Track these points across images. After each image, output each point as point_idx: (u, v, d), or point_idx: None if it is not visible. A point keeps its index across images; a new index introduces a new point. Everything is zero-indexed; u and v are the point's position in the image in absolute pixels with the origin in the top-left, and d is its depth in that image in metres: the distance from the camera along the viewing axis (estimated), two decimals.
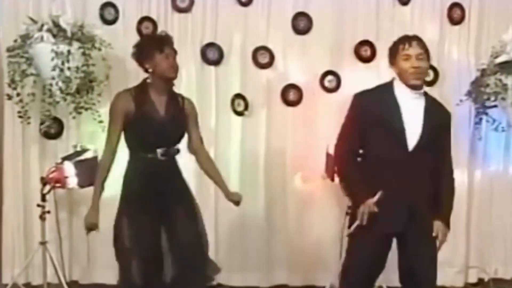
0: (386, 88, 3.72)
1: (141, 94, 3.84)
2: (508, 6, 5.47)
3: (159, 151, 3.79)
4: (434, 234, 3.59)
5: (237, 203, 4.14)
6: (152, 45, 3.83)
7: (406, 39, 3.65)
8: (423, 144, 3.54)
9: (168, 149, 3.83)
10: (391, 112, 3.60)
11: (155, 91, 3.84)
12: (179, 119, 3.92)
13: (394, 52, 3.68)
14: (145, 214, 3.76)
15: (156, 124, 3.78)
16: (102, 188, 3.89)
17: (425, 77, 3.76)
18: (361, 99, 3.75)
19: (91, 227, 3.78)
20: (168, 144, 3.85)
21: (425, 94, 3.71)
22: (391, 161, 3.55)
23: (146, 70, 3.84)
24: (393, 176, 3.54)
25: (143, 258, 3.73)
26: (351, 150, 3.72)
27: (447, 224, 3.66)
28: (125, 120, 3.79)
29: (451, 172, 3.81)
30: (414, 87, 3.61)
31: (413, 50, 3.60)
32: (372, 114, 3.63)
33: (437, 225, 3.61)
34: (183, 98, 4.01)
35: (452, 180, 3.82)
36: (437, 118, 3.63)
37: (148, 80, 3.86)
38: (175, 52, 3.87)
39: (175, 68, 3.84)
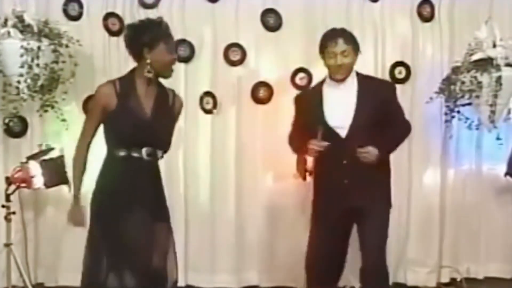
0: (318, 84, 4.18)
1: (126, 87, 3.61)
2: (478, 3, 5.62)
3: (144, 150, 3.59)
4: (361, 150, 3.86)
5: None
6: (161, 33, 3.60)
7: (332, 37, 3.99)
8: (358, 128, 3.87)
9: (155, 150, 3.64)
10: (314, 107, 3.99)
11: (143, 86, 3.62)
12: (169, 117, 3.73)
13: (322, 48, 4.03)
14: (128, 216, 3.57)
15: (141, 121, 3.57)
16: (80, 182, 3.77)
17: (350, 71, 4.04)
18: (296, 99, 4.28)
19: (78, 224, 3.72)
20: (155, 144, 3.65)
21: (358, 76, 4.03)
22: (327, 151, 3.87)
23: (139, 60, 3.61)
24: (331, 162, 3.91)
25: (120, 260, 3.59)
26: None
27: (382, 150, 3.93)
28: (104, 114, 3.59)
29: (401, 122, 4.16)
30: (337, 81, 3.97)
31: (338, 47, 3.95)
32: (303, 111, 4.10)
33: (369, 148, 3.87)
34: (174, 94, 3.80)
35: (405, 125, 4.18)
36: (373, 96, 3.93)
37: (149, 75, 3.59)
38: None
39: (173, 67, 3.68)
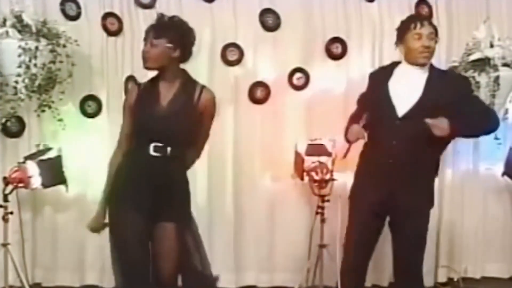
0: (392, 64, 4.06)
1: (149, 84, 3.70)
2: (476, 3, 5.68)
3: (152, 145, 3.57)
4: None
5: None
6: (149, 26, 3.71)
7: (417, 18, 3.95)
8: (417, 112, 3.76)
9: (165, 146, 3.59)
10: (380, 85, 3.93)
11: (164, 80, 3.66)
12: (186, 113, 3.65)
13: (403, 31, 3.92)
14: (133, 213, 3.59)
15: (154, 114, 3.58)
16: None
17: (431, 56, 3.93)
18: (369, 77, 4.20)
19: (96, 231, 3.91)
20: (167, 139, 3.59)
21: (432, 67, 3.94)
22: (380, 130, 3.85)
23: None
24: (381, 142, 3.86)
25: (133, 262, 3.64)
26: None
27: (450, 129, 3.76)
28: (130, 112, 3.69)
29: (488, 112, 4.06)
30: (420, 65, 3.86)
31: (425, 29, 3.85)
32: (371, 84, 4.07)
33: (441, 119, 3.73)
34: (202, 90, 3.75)
35: (483, 115, 3.99)
36: (444, 87, 3.82)
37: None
38: (156, 37, 3.61)
39: (145, 56, 3.64)
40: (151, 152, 3.58)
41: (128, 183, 3.64)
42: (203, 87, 3.76)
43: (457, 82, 4.03)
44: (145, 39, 3.65)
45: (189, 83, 3.73)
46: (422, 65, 3.88)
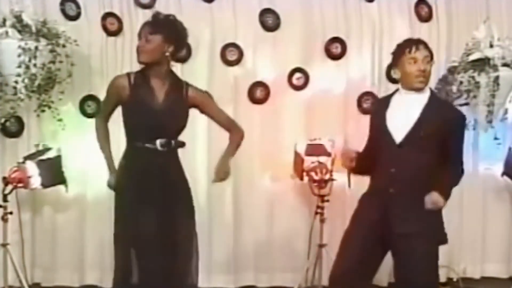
0: (391, 94, 3.97)
1: (139, 79, 3.81)
2: (476, 3, 5.71)
3: (159, 141, 3.75)
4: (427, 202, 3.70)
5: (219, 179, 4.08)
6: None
7: (413, 42, 3.82)
8: (414, 139, 3.67)
9: (169, 140, 3.79)
10: (378, 111, 3.87)
11: (154, 76, 3.80)
12: (180, 108, 3.85)
13: (399, 55, 3.82)
14: (143, 206, 3.74)
15: (154, 112, 3.75)
16: (110, 153, 3.96)
17: (428, 80, 3.84)
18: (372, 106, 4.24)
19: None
20: (168, 134, 3.80)
21: (432, 93, 3.86)
22: (380, 157, 3.79)
23: None
24: (379, 167, 3.79)
25: (141, 253, 3.77)
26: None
27: (444, 197, 3.76)
28: (118, 101, 3.84)
29: (458, 163, 3.91)
30: (416, 90, 3.78)
31: (420, 53, 3.75)
32: (371, 116, 4.02)
33: (432, 194, 3.69)
34: (187, 85, 3.93)
35: (457, 170, 3.92)
36: (438, 115, 3.72)
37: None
38: (150, 32, 3.76)
39: (140, 50, 3.79)
40: (159, 147, 3.76)
41: (138, 179, 3.79)
42: (187, 83, 3.94)
43: (453, 115, 3.87)
44: (139, 35, 3.82)
45: (177, 81, 3.91)
46: (418, 90, 3.79)
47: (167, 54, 3.79)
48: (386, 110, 3.82)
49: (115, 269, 3.97)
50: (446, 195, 3.79)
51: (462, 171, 3.95)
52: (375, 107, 4.19)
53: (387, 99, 3.94)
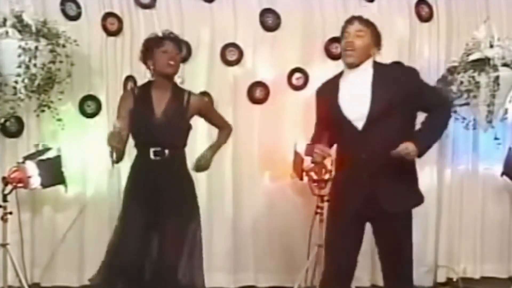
0: (334, 78, 3.88)
1: (142, 92, 4.09)
2: (476, 4, 5.73)
3: (152, 150, 3.96)
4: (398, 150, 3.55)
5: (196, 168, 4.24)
6: (152, 42, 4.08)
7: (349, 19, 3.78)
8: (376, 117, 3.59)
9: (163, 150, 3.97)
10: (330, 100, 3.75)
11: (157, 89, 4.06)
12: (179, 119, 4.06)
13: (341, 34, 3.79)
14: (136, 214, 4.00)
15: (150, 122, 3.97)
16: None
17: (362, 56, 3.71)
18: (316, 94, 4.01)
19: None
20: (164, 143, 3.98)
21: (375, 64, 3.75)
22: (344, 144, 3.75)
23: (149, 69, 4.10)
24: (349, 157, 3.74)
25: (124, 253, 4.01)
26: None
27: (418, 147, 3.58)
28: (125, 112, 4.04)
29: (443, 104, 3.88)
30: (348, 66, 3.72)
31: (352, 27, 3.71)
32: (318, 107, 3.91)
33: (406, 144, 3.54)
34: (189, 94, 4.16)
35: (444, 111, 3.86)
36: (391, 84, 3.63)
37: (151, 78, 4.10)
38: (177, 49, 4.09)
39: (173, 64, 4.02)
40: (152, 156, 3.97)
41: (133, 186, 4.08)
42: (189, 93, 4.18)
43: (403, 75, 3.81)
44: (164, 48, 4.02)
45: (178, 91, 4.14)
46: (349, 65, 3.70)
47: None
48: (337, 97, 3.73)
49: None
50: (422, 145, 3.62)
51: (447, 110, 3.91)
52: (323, 93, 3.93)
53: (334, 84, 3.82)
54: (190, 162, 4.24)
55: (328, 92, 3.83)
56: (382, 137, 3.61)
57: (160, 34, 4.14)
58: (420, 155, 3.64)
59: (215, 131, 4.50)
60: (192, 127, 4.22)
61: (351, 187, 3.72)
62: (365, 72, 3.71)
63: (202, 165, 4.27)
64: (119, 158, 3.93)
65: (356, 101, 3.66)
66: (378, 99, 3.61)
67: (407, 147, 3.53)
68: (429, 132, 3.73)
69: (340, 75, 3.85)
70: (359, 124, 3.65)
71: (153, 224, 4.02)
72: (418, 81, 3.80)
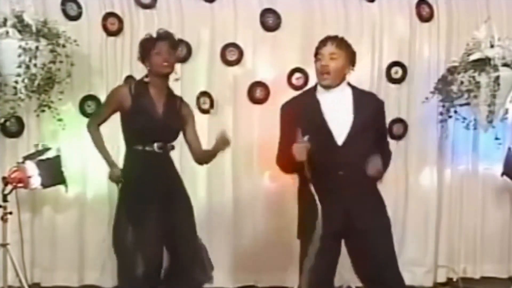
0: (308, 92, 3.91)
1: (140, 90, 4.23)
2: (477, 4, 5.74)
3: (156, 144, 4.16)
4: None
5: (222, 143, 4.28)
6: (147, 43, 4.21)
7: (323, 40, 3.78)
8: (355, 135, 3.64)
9: (165, 144, 4.21)
10: (312, 112, 3.71)
11: (154, 89, 4.21)
12: (176, 117, 4.29)
13: (314, 54, 3.80)
14: (146, 204, 4.12)
15: (154, 119, 4.16)
16: (107, 151, 4.30)
17: (337, 78, 3.74)
18: (285, 108, 3.91)
19: (118, 180, 4.22)
20: (165, 139, 4.22)
21: (351, 87, 3.81)
22: (322, 158, 3.63)
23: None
24: (326, 173, 3.65)
25: (145, 252, 4.06)
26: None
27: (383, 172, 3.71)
28: (119, 110, 4.22)
29: (388, 145, 4.02)
30: (325, 88, 3.74)
31: (326, 49, 3.71)
32: (296, 119, 3.72)
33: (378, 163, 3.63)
34: (181, 100, 4.40)
35: (388, 150, 3.98)
36: (369, 107, 3.73)
37: (146, 79, 4.23)
38: (171, 47, 4.20)
39: (168, 64, 4.15)
40: (156, 149, 4.17)
41: (139, 180, 4.17)
42: (181, 99, 4.44)
43: (376, 104, 3.89)
44: (158, 49, 4.14)
45: (173, 95, 4.36)
46: (326, 87, 3.74)
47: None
48: (320, 108, 3.72)
49: (118, 265, 4.22)
50: (384, 166, 3.75)
51: (390, 155, 3.99)
52: (300, 105, 3.85)
53: (312, 97, 3.79)
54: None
55: (308, 106, 3.78)
56: (359, 154, 3.66)
57: (154, 35, 4.24)
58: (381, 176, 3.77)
59: (214, 133, 4.51)
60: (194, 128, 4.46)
61: (328, 204, 3.65)
62: (344, 91, 3.78)
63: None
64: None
65: (340, 116, 3.70)
66: (359, 118, 3.69)
67: (379, 168, 3.66)
68: (385, 160, 3.80)
69: (312, 91, 3.86)
70: (340, 139, 3.68)
71: (168, 219, 4.17)
72: (384, 113, 3.95)
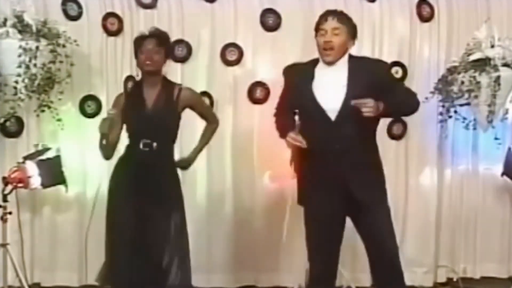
0: (309, 64, 3.93)
1: (134, 88, 4.42)
2: (477, 4, 5.74)
3: (142, 141, 4.15)
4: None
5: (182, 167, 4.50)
6: (135, 42, 4.32)
7: (323, 14, 3.80)
8: (350, 109, 3.58)
9: (152, 142, 4.16)
10: (303, 85, 3.78)
11: (146, 85, 4.27)
12: (168, 114, 4.25)
13: (315, 28, 3.81)
14: (126, 202, 4.16)
15: (141, 115, 4.19)
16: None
17: (340, 53, 3.76)
18: (285, 73, 4.04)
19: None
20: (153, 136, 4.18)
21: (350, 58, 3.80)
22: (316, 134, 3.68)
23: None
24: (322, 147, 3.69)
25: (125, 250, 4.13)
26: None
27: (379, 110, 3.59)
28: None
29: (406, 91, 4.00)
30: (327, 64, 3.76)
31: (328, 24, 3.73)
32: (293, 86, 3.88)
33: (368, 99, 3.56)
34: (180, 88, 4.33)
35: (407, 94, 3.94)
36: (363, 77, 3.68)
37: (137, 78, 4.45)
38: (157, 45, 4.20)
39: (151, 62, 4.18)
40: (141, 147, 4.16)
41: (124, 173, 4.23)
42: (180, 86, 4.37)
43: (374, 68, 3.84)
44: (143, 48, 4.21)
45: (168, 85, 4.32)
46: (328, 63, 3.76)
47: (164, 63, 4.31)
48: (311, 84, 3.76)
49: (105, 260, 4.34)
50: (383, 107, 3.61)
51: (412, 98, 3.92)
52: (294, 75, 3.97)
53: (309, 70, 3.85)
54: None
55: (301, 78, 3.85)
56: (354, 129, 3.67)
57: (146, 33, 4.30)
58: (377, 114, 3.64)
59: (215, 135, 4.65)
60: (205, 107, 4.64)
61: (324, 182, 3.72)
62: (342, 66, 3.77)
63: (184, 166, 4.54)
64: (109, 152, 4.25)
65: (331, 92, 3.70)
66: (352, 92, 3.65)
67: (367, 102, 3.55)
68: (395, 102, 3.74)
69: (314, 62, 3.90)
70: (332, 115, 3.69)
71: (143, 215, 4.16)
72: (387, 75, 3.96)
